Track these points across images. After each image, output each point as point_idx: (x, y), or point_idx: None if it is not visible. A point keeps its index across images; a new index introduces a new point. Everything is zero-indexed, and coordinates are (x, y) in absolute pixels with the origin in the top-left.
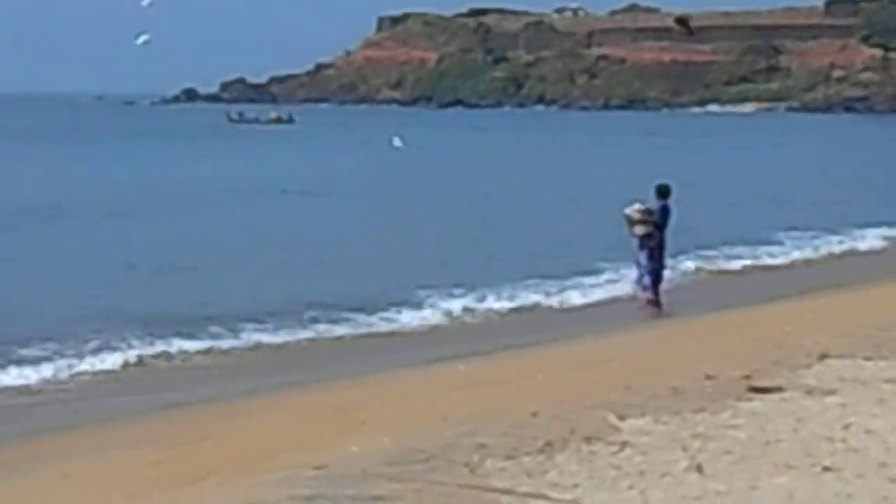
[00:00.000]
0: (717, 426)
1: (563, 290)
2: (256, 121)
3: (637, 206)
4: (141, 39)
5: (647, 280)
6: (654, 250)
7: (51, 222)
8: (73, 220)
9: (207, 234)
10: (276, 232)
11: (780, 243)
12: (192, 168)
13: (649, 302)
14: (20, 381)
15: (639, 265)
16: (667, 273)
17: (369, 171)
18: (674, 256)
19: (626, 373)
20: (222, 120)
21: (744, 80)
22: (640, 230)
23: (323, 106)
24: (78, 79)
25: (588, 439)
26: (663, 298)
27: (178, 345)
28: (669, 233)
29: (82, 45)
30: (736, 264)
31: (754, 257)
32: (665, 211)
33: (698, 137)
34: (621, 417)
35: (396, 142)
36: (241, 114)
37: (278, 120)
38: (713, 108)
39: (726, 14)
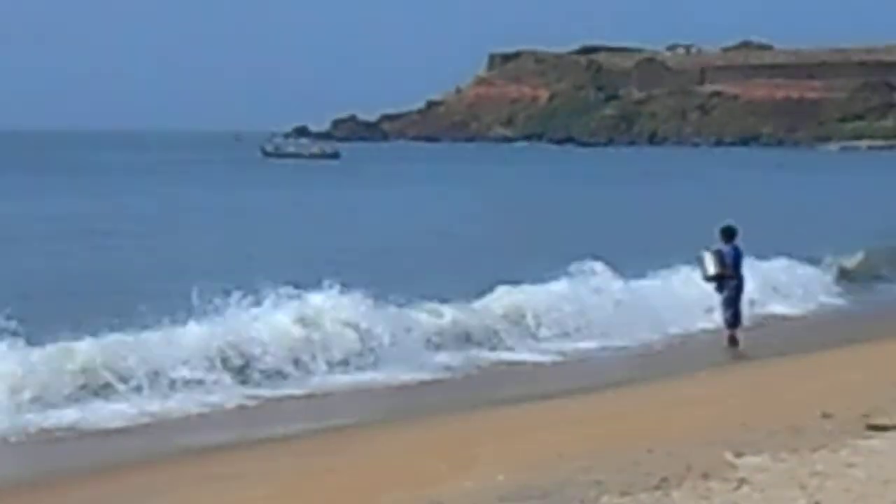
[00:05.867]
0: (836, 464)
1: (673, 328)
2: (295, 155)
3: (713, 248)
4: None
5: (727, 318)
6: (732, 291)
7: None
8: None
9: None
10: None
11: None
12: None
13: (729, 339)
14: (133, 412)
15: (721, 306)
16: (745, 314)
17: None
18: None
19: (742, 410)
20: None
21: (858, 117)
22: (712, 271)
23: (431, 145)
24: (192, 115)
25: (705, 476)
26: (741, 337)
27: (293, 378)
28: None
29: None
30: (842, 302)
31: (864, 294)
32: (737, 252)
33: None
34: (738, 454)
35: None
36: (277, 147)
37: (321, 155)
38: (831, 146)
39: (840, 50)
